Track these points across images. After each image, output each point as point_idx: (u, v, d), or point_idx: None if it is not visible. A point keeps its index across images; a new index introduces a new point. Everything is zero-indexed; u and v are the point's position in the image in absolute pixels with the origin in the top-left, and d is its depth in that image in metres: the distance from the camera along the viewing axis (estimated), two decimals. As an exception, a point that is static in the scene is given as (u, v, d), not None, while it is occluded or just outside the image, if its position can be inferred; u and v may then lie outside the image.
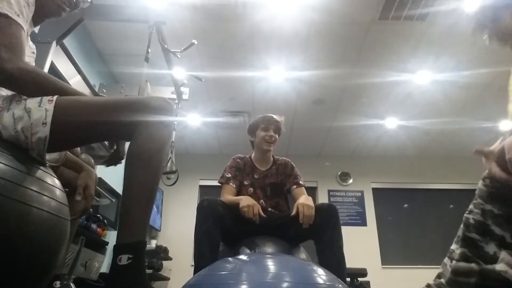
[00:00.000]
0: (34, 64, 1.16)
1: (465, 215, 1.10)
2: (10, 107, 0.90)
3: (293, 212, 1.80)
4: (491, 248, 1.00)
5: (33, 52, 1.21)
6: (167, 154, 1.01)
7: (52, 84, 0.96)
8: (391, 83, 4.20)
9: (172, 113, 1.02)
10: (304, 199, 1.83)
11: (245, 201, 1.82)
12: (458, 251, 1.06)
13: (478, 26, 1.20)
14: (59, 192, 0.90)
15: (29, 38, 1.11)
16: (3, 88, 0.99)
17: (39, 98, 0.92)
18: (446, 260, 1.09)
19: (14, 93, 0.95)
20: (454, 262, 1.05)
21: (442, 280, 1.06)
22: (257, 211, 1.78)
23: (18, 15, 0.94)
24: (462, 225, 1.09)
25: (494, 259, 0.99)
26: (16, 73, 0.90)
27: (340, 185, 6.08)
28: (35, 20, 1.13)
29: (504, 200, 1.03)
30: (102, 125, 0.97)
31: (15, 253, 0.75)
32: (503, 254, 0.82)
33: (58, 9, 1.18)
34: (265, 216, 1.80)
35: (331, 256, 1.72)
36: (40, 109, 0.90)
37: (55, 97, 0.93)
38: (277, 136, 2.17)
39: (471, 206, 1.10)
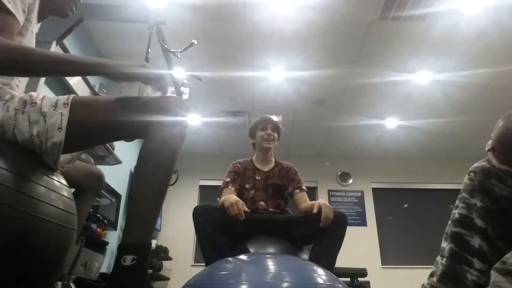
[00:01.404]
0: None
1: (453, 211, 1.11)
2: (25, 110, 0.88)
3: (315, 210, 1.76)
4: (476, 241, 1.02)
5: None
6: (179, 150, 0.99)
7: (44, 56, 0.87)
8: (391, 83, 4.20)
9: (187, 114, 1.00)
10: (323, 200, 1.81)
11: (227, 200, 1.75)
12: (447, 248, 1.07)
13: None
14: (68, 201, 0.89)
15: (33, 34, 1.09)
16: (17, 89, 0.98)
17: (54, 100, 0.91)
18: (438, 258, 1.10)
19: (28, 94, 0.94)
20: (444, 259, 1.06)
21: (434, 279, 1.07)
22: (241, 207, 1.71)
23: (10, 2, 0.90)
24: (449, 221, 1.10)
25: (480, 253, 1.00)
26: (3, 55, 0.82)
27: (340, 185, 6.08)
28: (40, 14, 1.11)
29: (488, 193, 1.04)
30: (117, 126, 0.97)
31: (19, 262, 0.75)
32: (493, 276, 0.83)
33: (67, 11, 1.17)
34: (249, 211, 1.77)
35: (322, 256, 1.71)
36: (56, 113, 0.88)
37: (70, 100, 0.91)
38: (276, 135, 2.17)
39: (457, 201, 1.11)
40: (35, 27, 1.08)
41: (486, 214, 1.03)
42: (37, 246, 0.79)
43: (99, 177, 1.53)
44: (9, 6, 0.90)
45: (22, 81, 1.04)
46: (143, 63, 0.96)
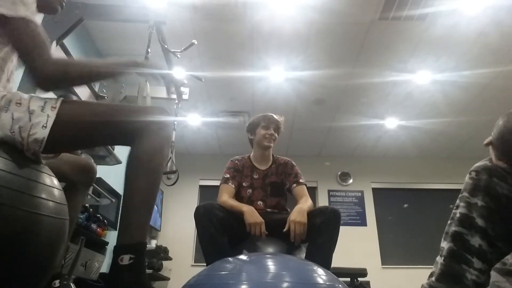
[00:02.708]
0: None
1: (453, 210, 1.11)
2: (9, 108, 0.89)
3: (285, 229, 1.77)
4: (476, 241, 1.01)
5: None
6: (167, 155, 1.03)
7: (83, 68, 1.00)
8: (391, 83, 4.20)
9: (170, 120, 1.05)
10: (297, 214, 1.80)
11: (250, 216, 1.78)
12: (446, 247, 1.06)
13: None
14: (57, 192, 0.90)
15: None
16: (4, 88, 0.98)
17: (43, 102, 0.92)
18: (437, 258, 1.09)
19: (14, 92, 0.95)
20: (443, 259, 1.06)
21: (433, 278, 1.06)
22: (264, 230, 1.77)
23: (29, 12, 0.92)
24: (449, 221, 1.10)
25: (479, 253, 1.00)
26: (54, 73, 0.92)
27: (340, 185, 6.08)
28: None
29: (489, 192, 1.03)
30: (102, 132, 0.99)
31: (13, 256, 0.75)
32: (493, 276, 0.82)
33: (56, 6, 1.16)
34: (267, 233, 1.79)
35: (317, 255, 1.71)
36: (42, 114, 0.90)
37: (58, 104, 0.93)
38: (276, 135, 2.17)
39: (457, 201, 1.10)
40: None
41: (487, 213, 1.02)
42: (30, 239, 0.79)
43: (90, 170, 1.46)
44: (33, 19, 0.93)
45: (10, 78, 1.04)
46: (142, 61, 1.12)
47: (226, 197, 1.94)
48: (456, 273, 1.01)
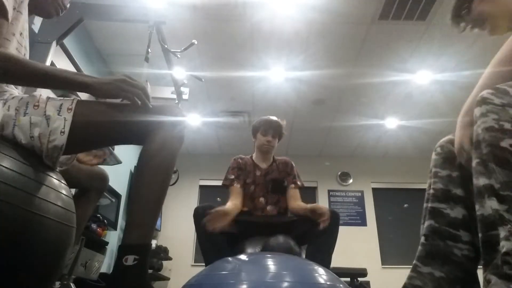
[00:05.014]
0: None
1: (426, 192, 1.07)
2: (27, 112, 0.89)
3: (316, 215, 1.76)
4: (458, 212, 0.96)
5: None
6: (177, 154, 1.01)
7: (30, 69, 0.88)
8: (391, 83, 4.20)
9: (184, 116, 1.03)
10: (316, 205, 1.83)
11: (215, 214, 1.68)
12: (425, 225, 1.01)
13: (454, 17, 1.23)
14: (66, 199, 0.90)
15: (26, 23, 1.07)
16: (15, 87, 0.98)
17: (59, 104, 0.92)
18: (419, 246, 1.05)
19: (31, 95, 0.94)
20: (424, 238, 0.99)
21: (415, 261, 1.02)
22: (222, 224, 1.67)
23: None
24: (424, 204, 1.06)
25: (463, 224, 0.94)
26: None
27: (340, 185, 6.08)
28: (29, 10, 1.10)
29: (458, 162, 1.00)
30: (117, 130, 0.98)
31: (18, 260, 0.75)
32: (494, 280, 0.73)
33: (51, 11, 1.16)
34: (234, 232, 1.76)
35: (317, 255, 1.73)
36: (59, 118, 0.90)
37: (74, 105, 0.92)
38: (276, 141, 2.19)
39: (428, 180, 1.07)
40: (26, 22, 1.07)
41: (463, 181, 0.98)
42: (37, 243, 0.79)
43: (103, 178, 1.52)
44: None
45: None
46: (123, 78, 0.94)
47: (234, 203, 1.93)
48: (442, 251, 0.94)
